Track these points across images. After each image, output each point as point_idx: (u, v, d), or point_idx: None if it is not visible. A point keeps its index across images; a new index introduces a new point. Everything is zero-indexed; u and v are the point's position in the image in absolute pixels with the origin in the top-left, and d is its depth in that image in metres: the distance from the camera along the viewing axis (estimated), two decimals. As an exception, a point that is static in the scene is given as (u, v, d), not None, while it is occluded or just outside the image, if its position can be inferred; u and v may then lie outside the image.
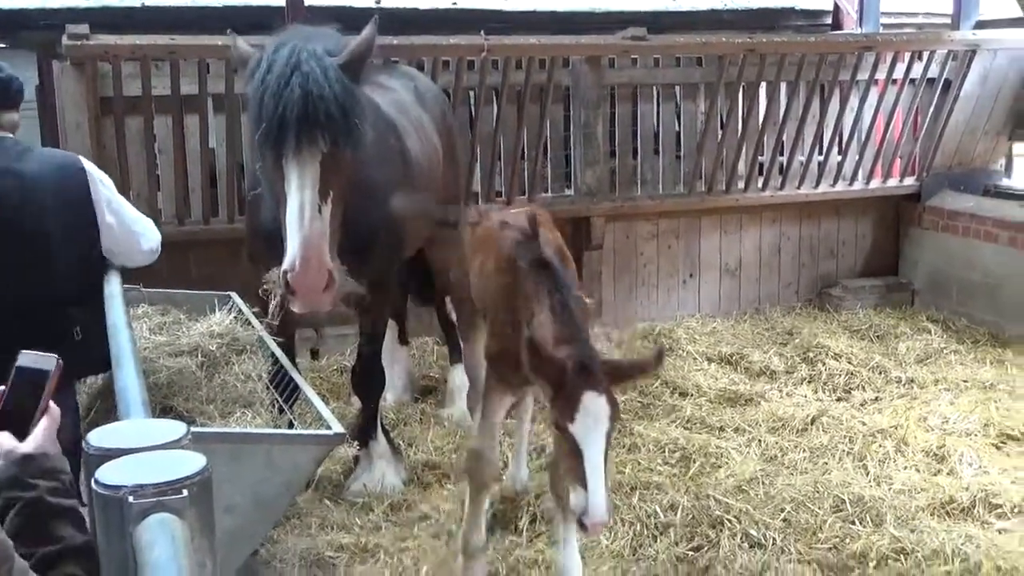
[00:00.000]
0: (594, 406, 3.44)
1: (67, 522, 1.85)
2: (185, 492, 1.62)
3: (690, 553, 4.61)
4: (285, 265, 4.04)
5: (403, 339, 6.83)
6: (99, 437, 1.85)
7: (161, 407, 3.15)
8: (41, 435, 1.99)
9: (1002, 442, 5.82)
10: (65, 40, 6.32)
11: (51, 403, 2.06)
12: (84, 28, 6.35)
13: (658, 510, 4.93)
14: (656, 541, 4.73)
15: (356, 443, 5.42)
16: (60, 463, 1.98)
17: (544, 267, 3.85)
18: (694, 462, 5.56)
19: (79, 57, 6.44)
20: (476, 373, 4.74)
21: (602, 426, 3.46)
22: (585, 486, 3.40)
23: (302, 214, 4.05)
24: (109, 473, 1.66)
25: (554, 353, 3.55)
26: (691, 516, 4.86)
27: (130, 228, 4.02)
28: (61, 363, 2.06)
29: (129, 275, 4.11)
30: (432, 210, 5.67)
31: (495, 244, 4.38)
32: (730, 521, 4.78)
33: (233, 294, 4.43)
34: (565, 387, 3.48)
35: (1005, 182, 9.19)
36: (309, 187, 4.10)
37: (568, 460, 3.51)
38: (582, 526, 3.47)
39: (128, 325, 3.04)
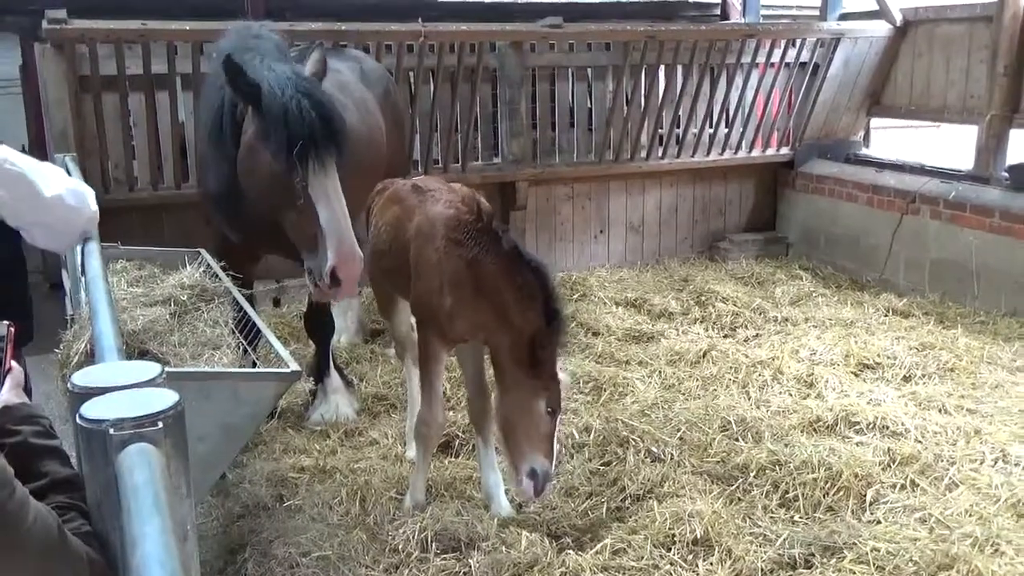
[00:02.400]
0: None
1: (52, 459, 1.80)
2: (160, 424, 1.59)
3: (601, 467, 4.66)
4: (333, 261, 3.95)
5: (354, 289, 6.77)
6: (82, 377, 1.80)
7: (138, 351, 3.07)
8: (11, 390, 1.94)
9: (860, 370, 5.95)
10: (45, 24, 6.10)
11: (13, 362, 1.99)
12: (62, 13, 6.13)
13: (575, 432, 4.98)
14: (573, 458, 4.78)
15: (312, 379, 5.40)
16: (37, 410, 1.93)
17: (537, 271, 3.83)
18: (604, 391, 5.61)
19: (58, 40, 6.22)
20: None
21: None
22: (551, 459, 3.80)
23: (341, 218, 4.00)
24: (92, 409, 1.62)
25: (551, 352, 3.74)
26: (602, 436, 4.90)
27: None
28: (12, 328, 1.99)
29: (108, 234, 3.99)
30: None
31: (422, 207, 4.21)
32: (635, 440, 4.84)
33: (202, 250, 4.33)
34: (555, 381, 3.74)
35: (864, 151, 9.35)
36: (339, 194, 4.05)
37: (543, 439, 3.76)
38: (542, 489, 3.78)
39: (105, 278, 2.95)
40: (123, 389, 1.73)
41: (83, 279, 3.38)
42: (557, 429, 3.83)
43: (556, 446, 3.85)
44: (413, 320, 4.56)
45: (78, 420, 1.61)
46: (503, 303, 3.81)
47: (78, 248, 3.63)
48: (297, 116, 3.98)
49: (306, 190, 4.01)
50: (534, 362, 3.69)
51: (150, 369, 1.85)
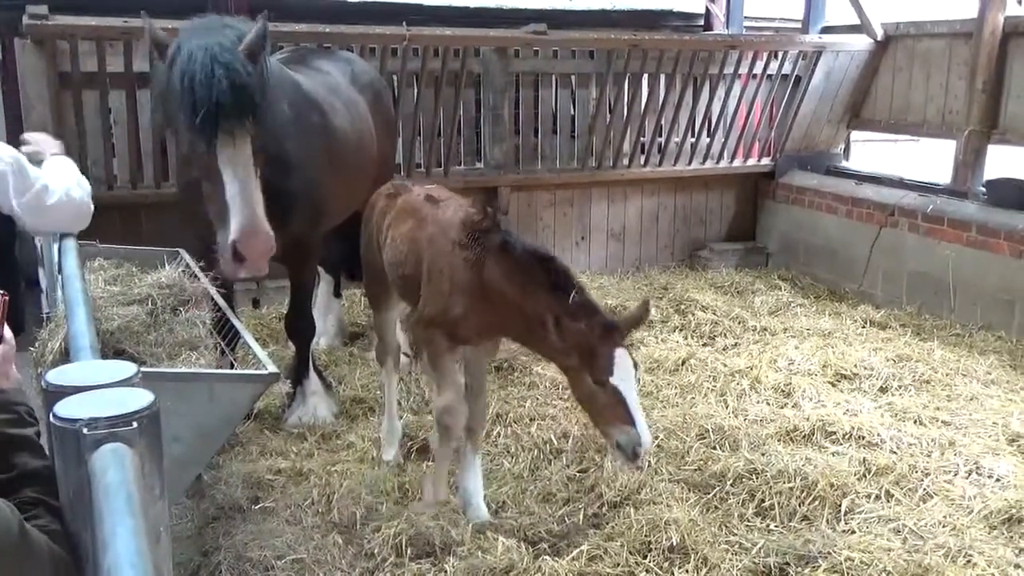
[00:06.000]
0: (624, 360, 3.62)
1: (22, 450, 1.75)
2: (135, 424, 1.57)
3: (579, 474, 4.66)
4: (234, 236, 3.92)
5: (337, 292, 6.77)
6: (56, 376, 1.78)
7: (114, 350, 3.05)
8: None
9: (837, 380, 5.97)
10: (26, 20, 6.05)
11: (5, 333, 1.93)
12: (43, 9, 6.08)
13: (552, 438, 4.98)
14: (551, 464, 4.78)
15: (291, 381, 5.37)
16: (15, 395, 1.87)
17: (537, 257, 3.80)
18: (584, 398, 5.61)
19: (39, 36, 6.17)
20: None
21: (632, 375, 3.65)
22: (634, 424, 3.58)
23: (245, 190, 3.94)
24: (66, 408, 1.60)
25: (579, 325, 3.62)
26: (580, 443, 4.91)
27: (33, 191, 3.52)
28: (7, 297, 1.92)
29: (86, 232, 3.96)
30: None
31: (434, 215, 4.18)
32: (613, 447, 4.85)
33: (181, 250, 4.30)
34: (596, 349, 3.60)
35: (844, 164, 9.42)
36: (246, 166, 3.99)
37: (610, 408, 3.63)
38: (634, 456, 3.63)
39: (81, 276, 2.93)
40: (98, 388, 1.71)
41: (60, 277, 3.35)
42: (628, 394, 3.63)
43: (637, 411, 3.63)
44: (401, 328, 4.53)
45: (51, 419, 1.59)
46: (513, 298, 3.79)
47: (55, 245, 3.61)
48: (204, 83, 3.91)
49: (214, 161, 3.97)
50: (560, 342, 3.64)
51: (125, 368, 1.83)
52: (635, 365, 3.70)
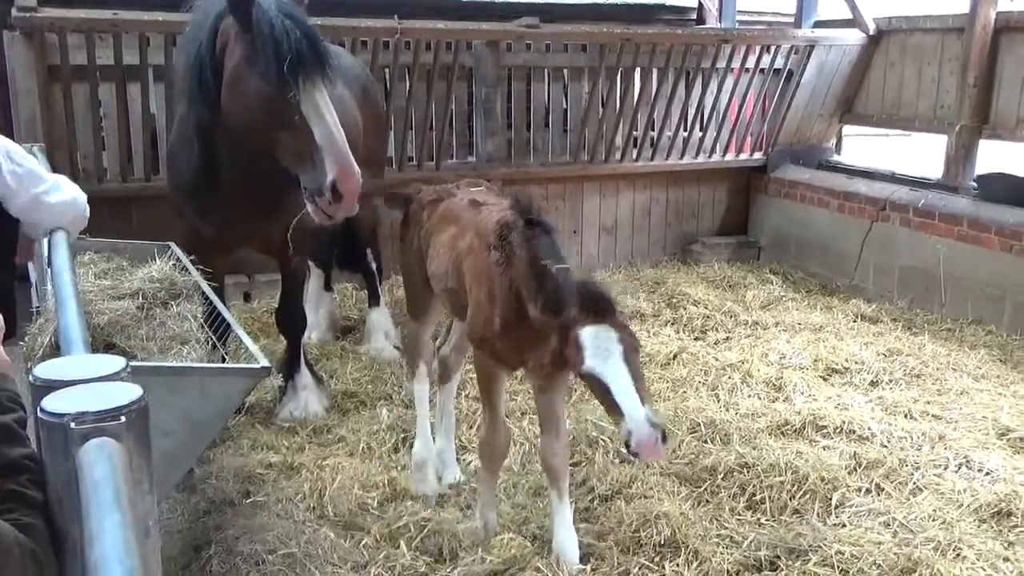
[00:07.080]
0: (600, 340, 3.05)
1: None
2: (123, 419, 1.57)
3: (570, 467, 4.65)
4: (332, 175, 3.97)
5: (328, 286, 6.76)
6: (44, 370, 1.77)
7: (104, 345, 3.04)
8: None
9: (828, 374, 5.99)
10: (14, 12, 6.01)
11: None
12: (32, 1, 6.04)
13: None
14: (542, 458, 4.78)
15: (282, 375, 5.36)
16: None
17: (546, 233, 3.40)
18: (575, 391, 5.59)
19: (28, 28, 6.13)
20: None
21: (616, 353, 3.04)
22: (622, 414, 2.99)
23: (337, 133, 4.02)
24: (53, 402, 1.60)
25: (546, 307, 3.19)
26: (571, 436, 4.88)
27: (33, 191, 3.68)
28: None
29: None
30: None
31: (474, 221, 3.87)
32: (603, 441, 4.85)
33: (172, 244, 4.29)
34: (566, 332, 3.12)
35: (836, 158, 9.43)
36: (331, 109, 4.07)
37: (601, 399, 3.11)
38: (633, 453, 3.02)
39: (72, 269, 2.92)
40: (86, 383, 1.70)
41: (49, 271, 3.34)
42: (612, 378, 3.03)
43: (625, 397, 3.01)
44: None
45: (39, 413, 1.59)
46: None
47: (45, 239, 3.59)
48: (284, 33, 4.01)
49: (299, 106, 4.02)
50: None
51: (114, 363, 1.83)
52: (624, 339, 3.08)
